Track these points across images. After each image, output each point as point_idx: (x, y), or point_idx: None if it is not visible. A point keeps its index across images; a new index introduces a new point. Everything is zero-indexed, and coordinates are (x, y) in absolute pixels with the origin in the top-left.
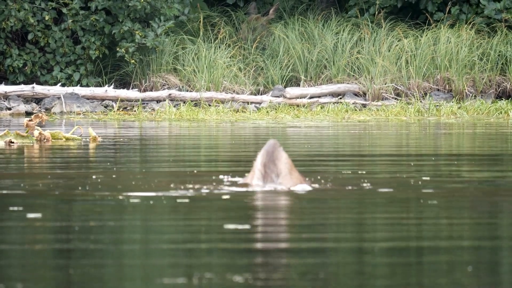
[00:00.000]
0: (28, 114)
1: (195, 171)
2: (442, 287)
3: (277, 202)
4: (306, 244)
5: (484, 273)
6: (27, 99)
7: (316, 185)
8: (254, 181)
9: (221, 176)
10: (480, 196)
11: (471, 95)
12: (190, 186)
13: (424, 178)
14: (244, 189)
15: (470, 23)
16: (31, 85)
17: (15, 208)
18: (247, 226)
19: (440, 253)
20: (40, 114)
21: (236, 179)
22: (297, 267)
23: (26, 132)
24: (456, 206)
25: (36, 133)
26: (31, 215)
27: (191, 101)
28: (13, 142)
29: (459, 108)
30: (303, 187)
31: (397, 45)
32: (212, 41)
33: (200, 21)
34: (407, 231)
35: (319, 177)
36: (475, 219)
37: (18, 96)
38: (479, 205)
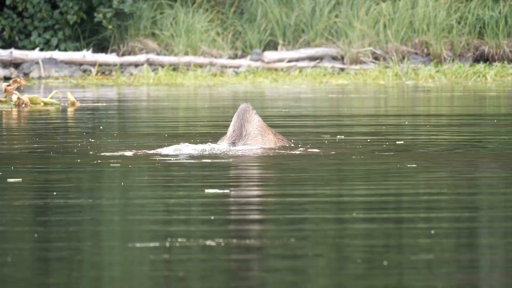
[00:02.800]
0: (6, 79)
1: (166, 135)
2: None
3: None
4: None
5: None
6: (5, 64)
7: (292, 147)
8: (224, 144)
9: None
10: (457, 157)
11: (449, 58)
12: (165, 151)
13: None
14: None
15: None
16: (9, 50)
17: None
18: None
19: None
20: (18, 79)
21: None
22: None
23: (5, 97)
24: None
25: (14, 98)
26: (11, 180)
27: (169, 65)
28: None
29: (437, 71)
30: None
31: (375, 9)
32: (190, 5)
33: None
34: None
35: (293, 140)
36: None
37: None
38: (456, 165)
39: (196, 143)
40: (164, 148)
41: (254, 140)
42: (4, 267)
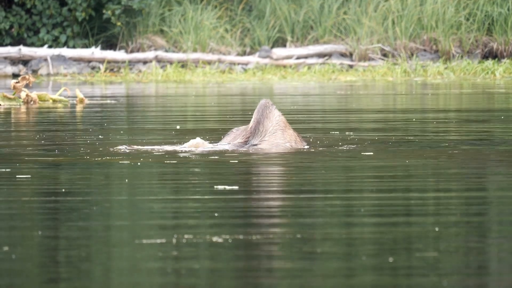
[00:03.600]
0: (15, 76)
1: (177, 127)
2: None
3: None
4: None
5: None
6: (14, 61)
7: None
8: (238, 140)
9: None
10: (468, 155)
11: (457, 55)
12: (175, 147)
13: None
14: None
15: None
16: (17, 47)
17: (3, 170)
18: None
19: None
20: (27, 76)
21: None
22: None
23: (13, 94)
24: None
25: (23, 95)
26: (20, 176)
27: (178, 62)
28: (0, 104)
29: (445, 68)
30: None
31: (383, 6)
32: (199, 2)
33: None
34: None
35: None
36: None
37: (5, 58)
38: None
39: (204, 139)
40: (178, 144)
41: (273, 136)
42: (13, 262)
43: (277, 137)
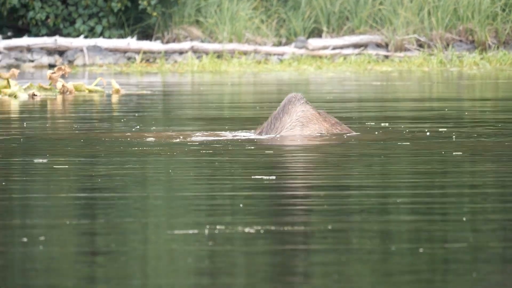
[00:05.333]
0: (51, 66)
1: (214, 113)
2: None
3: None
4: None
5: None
6: (50, 52)
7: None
8: (256, 132)
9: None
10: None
11: (493, 46)
12: (206, 137)
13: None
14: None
15: None
16: (53, 38)
17: (41, 160)
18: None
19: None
20: (63, 67)
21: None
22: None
23: (50, 85)
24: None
25: (59, 85)
26: (57, 167)
27: (214, 53)
28: (36, 95)
29: (481, 59)
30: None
31: None
32: None
33: None
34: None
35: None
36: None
37: (41, 48)
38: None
39: (240, 128)
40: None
41: (290, 132)
42: (49, 259)
43: (294, 133)
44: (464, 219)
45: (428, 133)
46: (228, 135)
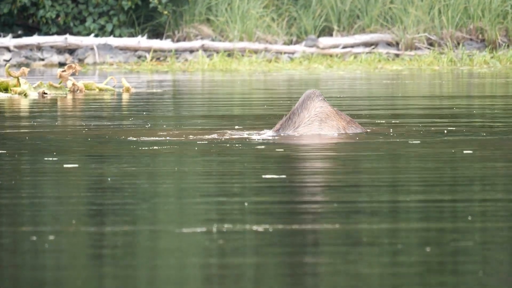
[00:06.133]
0: (61, 65)
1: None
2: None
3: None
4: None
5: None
6: (60, 50)
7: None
8: (274, 128)
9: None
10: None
11: (504, 44)
12: (214, 135)
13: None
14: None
15: None
16: (64, 36)
17: (51, 159)
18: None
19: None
20: (73, 65)
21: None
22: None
23: (60, 83)
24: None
25: (69, 83)
26: (67, 166)
27: (224, 51)
28: (46, 93)
29: (492, 57)
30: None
31: None
32: None
33: None
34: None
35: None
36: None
37: (51, 47)
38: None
39: (250, 126)
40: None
41: (308, 127)
42: (58, 254)
43: (312, 128)
44: (470, 218)
45: (445, 131)
46: (243, 133)
